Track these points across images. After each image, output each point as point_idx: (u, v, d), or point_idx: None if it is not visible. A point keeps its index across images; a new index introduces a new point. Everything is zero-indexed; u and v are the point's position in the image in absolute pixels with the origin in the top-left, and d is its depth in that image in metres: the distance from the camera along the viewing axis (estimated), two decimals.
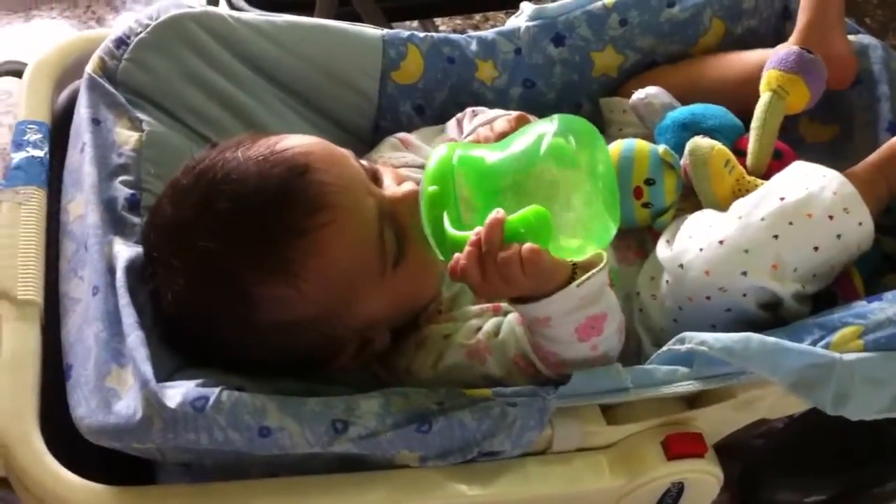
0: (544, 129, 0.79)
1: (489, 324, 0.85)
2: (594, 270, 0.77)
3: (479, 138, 0.93)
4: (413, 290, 0.85)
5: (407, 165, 0.99)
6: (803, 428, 1.05)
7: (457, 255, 0.76)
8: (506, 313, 0.86)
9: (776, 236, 0.85)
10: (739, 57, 1.10)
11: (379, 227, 0.80)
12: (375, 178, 0.85)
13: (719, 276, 0.85)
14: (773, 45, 1.05)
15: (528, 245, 0.74)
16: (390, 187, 0.84)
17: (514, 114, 0.96)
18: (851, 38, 1.10)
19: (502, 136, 0.89)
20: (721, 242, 0.86)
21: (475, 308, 0.88)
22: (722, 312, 0.87)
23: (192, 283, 0.77)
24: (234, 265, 0.77)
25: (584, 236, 0.78)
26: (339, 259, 0.78)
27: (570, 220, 0.78)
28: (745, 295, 0.86)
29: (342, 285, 0.79)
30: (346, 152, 0.84)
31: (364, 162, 0.85)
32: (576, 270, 0.78)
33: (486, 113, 1.03)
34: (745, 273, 0.85)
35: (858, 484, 1.07)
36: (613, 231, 0.78)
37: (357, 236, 0.79)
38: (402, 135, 1.05)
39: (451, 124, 1.07)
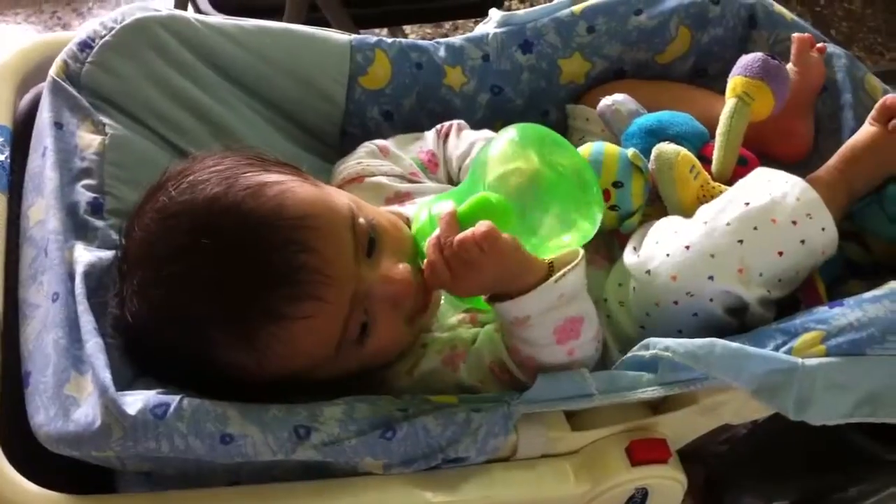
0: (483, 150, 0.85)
1: (467, 333, 0.86)
2: (571, 265, 0.79)
3: None
4: (370, 362, 0.83)
5: (385, 174, 0.99)
6: (767, 434, 1.06)
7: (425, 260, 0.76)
8: (483, 324, 0.87)
9: (741, 241, 0.85)
10: (704, 91, 1.12)
11: (349, 312, 0.77)
12: (372, 245, 0.81)
13: (686, 280, 0.86)
14: (738, 53, 1.05)
15: (478, 223, 0.76)
16: (384, 266, 0.80)
17: None
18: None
19: None
20: (687, 248, 0.86)
21: (454, 319, 0.89)
22: (689, 317, 0.87)
23: (156, 318, 0.75)
24: (200, 321, 0.74)
25: (564, 230, 0.82)
26: (305, 348, 0.77)
27: (548, 218, 0.81)
28: (711, 300, 0.86)
29: (301, 365, 0.78)
30: (348, 214, 0.79)
31: (363, 220, 0.80)
32: (553, 269, 0.79)
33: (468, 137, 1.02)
34: (711, 277, 0.85)
35: (821, 490, 1.08)
36: (598, 215, 0.82)
37: (328, 329, 0.77)
38: (379, 142, 1.05)
39: (431, 135, 1.06)
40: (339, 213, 0.79)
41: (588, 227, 0.84)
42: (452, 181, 1.04)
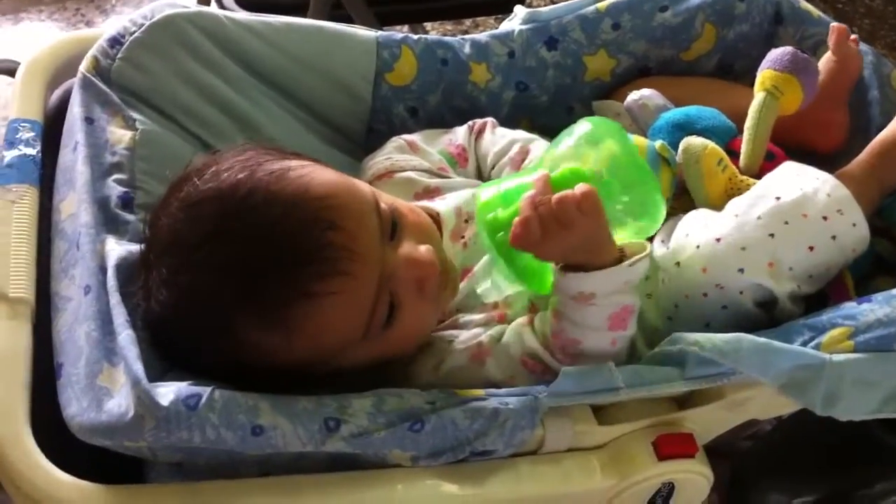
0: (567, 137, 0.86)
1: (493, 330, 0.86)
2: (642, 254, 0.80)
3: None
4: (397, 348, 0.83)
5: (415, 168, 1.00)
6: (792, 430, 1.06)
7: (515, 219, 0.77)
8: (510, 322, 0.87)
9: (772, 235, 0.85)
10: (732, 86, 1.11)
11: (377, 294, 0.78)
12: (394, 229, 0.82)
13: (717, 272, 0.86)
14: (764, 49, 1.05)
15: (578, 185, 0.78)
16: (407, 248, 0.81)
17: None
18: None
19: None
20: (718, 240, 0.86)
21: (480, 316, 0.89)
22: (718, 310, 0.87)
23: (184, 303, 0.76)
24: (229, 304, 0.75)
25: (636, 217, 0.83)
26: (335, 325, 0.77)
27: (619, 205, 0.82)
28: (741, 292, 0.86)
29: (330, 344, 0.78)
30: (371, 198, 0.80)
31: (384, 205, 0.81)
32: (624, 255, 0.81)
33: (538, 141, 1.02)
34: (741, 270, 0.85)
35: (847, 485, 1.08)
36: (663, 210, 0.83)
37: (357, 306, 0.78)
38: (407, 137, 1.05)
39: (462, 130, 1.06)
40: (363, 195, 0.80)
41: (654, 220, 0.85)
42: (482, 178, 1.04)
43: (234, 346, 0.76)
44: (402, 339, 0.82)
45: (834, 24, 1.06)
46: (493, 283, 0.84)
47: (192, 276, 0.75)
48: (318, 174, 0.79)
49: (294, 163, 0.80)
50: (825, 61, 1.04)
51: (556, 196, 0.78)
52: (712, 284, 0.86)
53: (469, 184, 1.00)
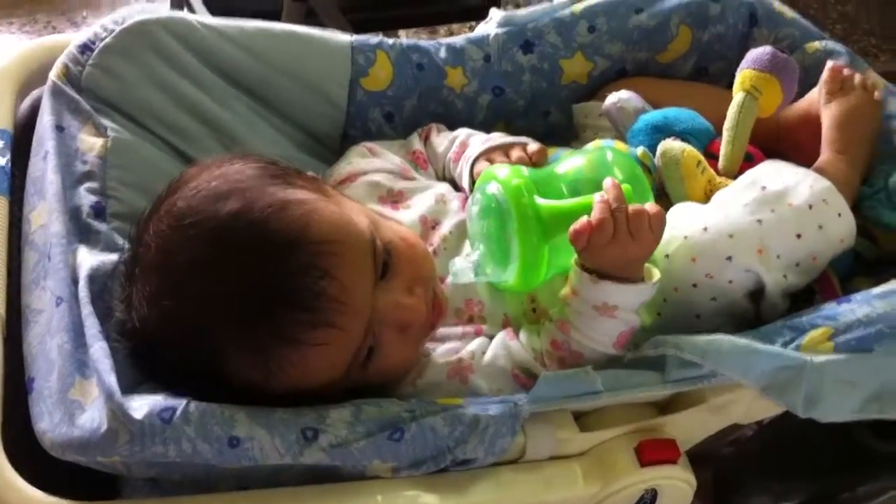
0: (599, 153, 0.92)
1: (473, 344, 0.85)
2: (658, 277, 0.83)
3: (513, 160, 0.96)
4: (377, 381, 0.82)
5: (377, 170, 0.99)
6: (774, 435, 1.06)
7: (584, 217, 0.80)
8: (488, 336, 0.87)
9: (759, 221, 0.86)
10: (710, 88, 1.12)
11: (362, 341, 0.78)
12: (385, 268, 0.80)
13: (706, 261, 0.86)
14: (739, 51, 1.05)
15: (651, 204, 0.82)
16: (397, 293, 0.80)
17: (530, 142, 1.00)
18: (817, 44, 1.11)
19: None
20: (706, 229, 0.87)
21: (457, 330, 0.88)
22: (707, 301, 0.87)
23: (169, 327, 0.74)
24: (212, 337, 0.73)
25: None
26: (317, 371, 0.76)
27: None
28: (730, 281, 0.86)
29: (310, 385, 0.77)
30: (368, 237, 0.79)
31: (380, 242, 0.80)
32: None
33: (477, 135, 1.03)
34: (730, 258, 0.85)
35: (830, 489, 1.08)
36: None
37: (341, 357, 0.77)
38: (368, 143, 1.04)
39: (413, 137, 1.07)
40: (361, 238, 0.78)
41: None
42: (440, 178, 1.04)
43: (213, 371, 0.75)
44: (382, 374, 0.81)
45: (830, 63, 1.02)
46: (479, 263, 0.85)
47: (180, 301, 0.74)
48: (319, 213, 0.77)
49: (297, 194, 0.78)
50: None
51: (633, 207, 0.81)
52: (702, 274, 0.86)
53: (433, 185, 1.00)
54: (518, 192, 0.84)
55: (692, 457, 0.86)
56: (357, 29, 1.53)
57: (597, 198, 0.82)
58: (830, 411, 0.81)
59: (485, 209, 0.87)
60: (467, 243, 0.91)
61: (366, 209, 0.86)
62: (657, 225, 0.82)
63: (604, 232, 0.79)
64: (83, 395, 0.72)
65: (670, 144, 0.96)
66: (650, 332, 0.84)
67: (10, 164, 0.90)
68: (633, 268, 0.82)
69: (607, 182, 0.83)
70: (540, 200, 0.84)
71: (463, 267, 0.85)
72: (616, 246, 0.80)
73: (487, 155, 0.98)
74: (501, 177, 0.86)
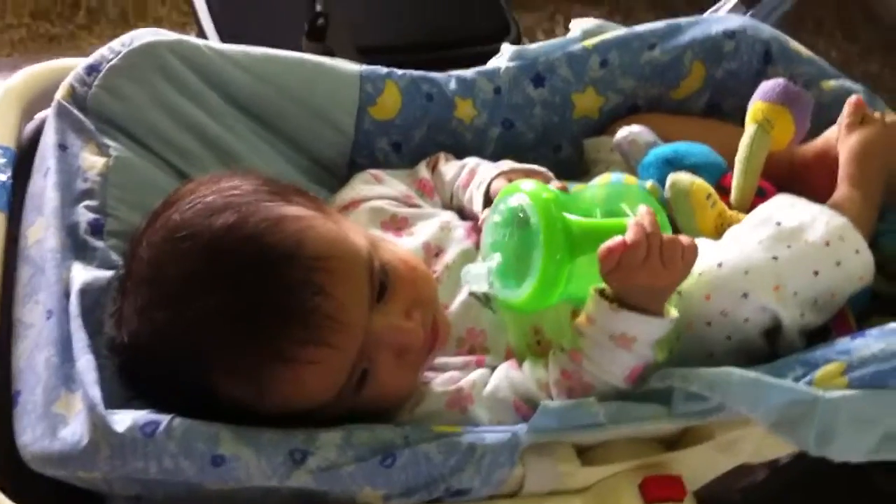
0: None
1: (474, 374, 0.83)
2: (676, 315, 0.81)
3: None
4: (372, 407, 0.80)
5: (381, 197, 0.98)
6: (786, 479, 1.02)
7: (616, 237, 0.77)
8: (490, 367, 0.84)
9: (775, 258, 0.84)
10: (722, 124, 1.11)
11: (356, 363, 0.76)
12: (383, 289, 0.78)
13: (720, 299, 0.84)
14: (753, 88, 1.04)
15: (685, 237, 0.80)
16: (394, 317, 0.78)
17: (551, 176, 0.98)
18: (833, 82, 1.10)
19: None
20: (720, 265, 0.85)
21: (457, 360, 0.86)
22: (722, 340, 0.85)
23: (158, 340, 0.73)
24: (203, 351, 0.72)
25: None
26: (309, 391, 0.74)
27: None
28: (746, 320, 0.84)
29: (301, 405, 0.75)
30: (365, 257, 0.77)
31: (377, 263, 0.78)
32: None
33: (486, 163, 1.01)
34: (745, 295, 0.83)
35: None
36: None
37: (335, 376, 0.75)
38: (373, 171, 1.03)
39: (421, 166, 1.05)
40: (357, 256, 0.77)
41: None
42: (447, 207, 1.02)
43: (203, 387, 0.73)
44: (377, 400, 0.79)
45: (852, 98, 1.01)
46: (494, 271, 0.81)
47: (171, 313, 0.72)
48: (315, 229, 0.75)
49: (293, 210, 0.76)
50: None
51: (668, 236, 0.79)
52: (717, 312, 0.84)
53: (438, 213, 0.98)
54: (547, 204, 0.81)
55: (701, 503, 0.83)
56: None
57: (631, 221, 0.80)
58: (844, 450, 0.78)
59: (507, 220, 0.84)
60: None
61: (365, 231, 0.84)
62: (690, 257, 0.79)
63: (637, 254, 0.77)
64: (67, 409, 0.71)
65: (680, 177, 0.94)
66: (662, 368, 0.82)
67: (11, 180, 0.90)
68: (657, 298, 0.80)
69: (642, 208, 0.81)
70: (569, 216, 0.81)
71: (478, 273, 0.82)
72: (646, 271, 0.77)
73: (508, 176, 0.96)
74: (528, 189, 0.83)
